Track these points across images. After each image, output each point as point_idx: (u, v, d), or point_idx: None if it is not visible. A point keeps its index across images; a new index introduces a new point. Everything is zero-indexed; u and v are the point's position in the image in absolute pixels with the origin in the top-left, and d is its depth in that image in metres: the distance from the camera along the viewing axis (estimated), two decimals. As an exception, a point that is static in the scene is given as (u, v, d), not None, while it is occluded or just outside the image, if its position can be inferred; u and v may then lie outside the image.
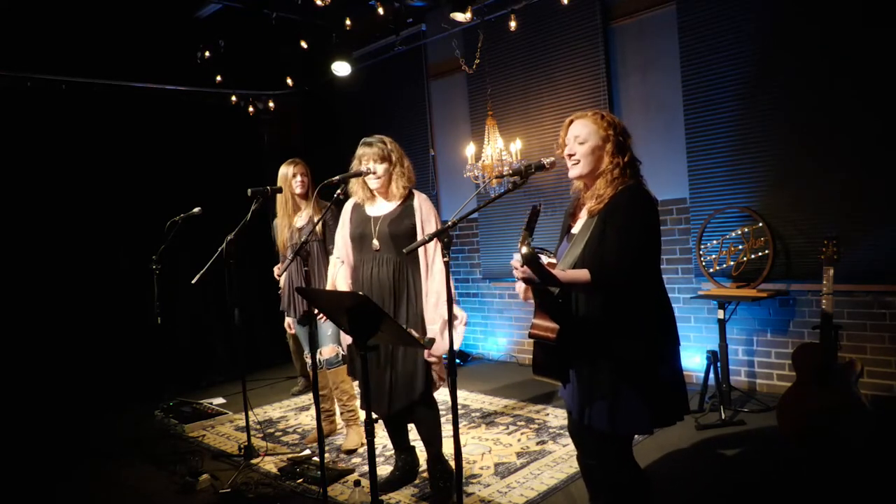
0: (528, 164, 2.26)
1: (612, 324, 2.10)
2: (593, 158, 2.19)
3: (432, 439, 3.09)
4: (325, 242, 3.84)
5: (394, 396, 2.96)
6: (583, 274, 2.04)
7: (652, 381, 2.11)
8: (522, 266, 1.97)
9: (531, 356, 2.25)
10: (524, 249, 1.92)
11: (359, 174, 3.01)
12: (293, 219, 3.98)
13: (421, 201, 3.06)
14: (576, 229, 2.24)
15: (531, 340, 2.17)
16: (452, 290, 2.49)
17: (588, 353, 2.13)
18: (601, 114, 2.23)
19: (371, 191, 3.09)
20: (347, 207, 3.21)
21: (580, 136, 2.20)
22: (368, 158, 2.99)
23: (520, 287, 2.23)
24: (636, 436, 2.23)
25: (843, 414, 3.14)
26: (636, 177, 2.19)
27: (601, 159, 2.18)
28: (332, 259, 3.30)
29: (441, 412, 3.21)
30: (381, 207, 3.09)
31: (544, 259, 2.01)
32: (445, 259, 2.25)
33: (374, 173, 2.99)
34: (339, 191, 2.92)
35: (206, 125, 6.33)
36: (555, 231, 2.44)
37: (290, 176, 3.93)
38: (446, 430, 3.05)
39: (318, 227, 3.80)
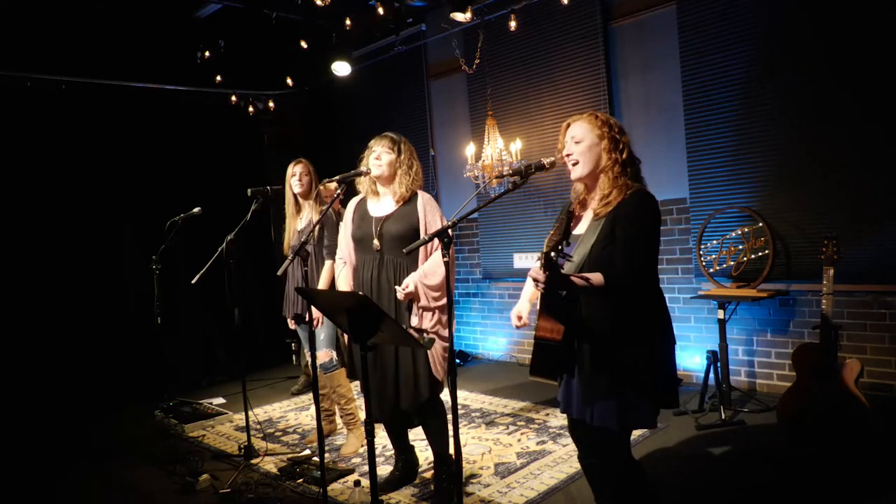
0: (528, 164, 2.27)
1: (615, 325, 2.13)
2: (591, 156, 2.20)
3: (439, 441, 3.07)
4: (321, 243, 3.82)
5: (397, 400, 2.93)
6: (597, 278, 2.08)
7: (653, 377, 2.15)
8: (545, 272, 1.98)
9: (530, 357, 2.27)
10: (552, 254, 1.93)
11: (359, 174, 3.00)
12: (296, 221, 3.98)
13: (425, 202, 3.01)
14: (579, 230, 2.25)
15: (531, 340, 2.18)
16: (452, 285, 2.47)
17: (591, 354, 2.16)
18: (595, 114, 2.26)
19: (376, 184, 3.06)
20: (350, 207, 3.17)
21: (576, 137, 2.22)
22: (376, 144, 3.01)
23: (528, 289, 2.31)
24: (637, 433, 2.29)
25: (843, 414, 3.14)
26: (639, 178, 2.22)
27: (599, 157, 2.20)
28: (336, 260, 3.27)
29: (441, 412, 3.20)
30: (383, 206, 3.05)
31: (562, 261, 2.04)
32: (445, 259, 2.25)
33: (377, 158, 2.98)
34: (339, 191, 2.91)
35: (206, 125, 6.32)
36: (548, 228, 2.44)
37: (289, 175, 3.93)
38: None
39: (316, 230, 3.77)
